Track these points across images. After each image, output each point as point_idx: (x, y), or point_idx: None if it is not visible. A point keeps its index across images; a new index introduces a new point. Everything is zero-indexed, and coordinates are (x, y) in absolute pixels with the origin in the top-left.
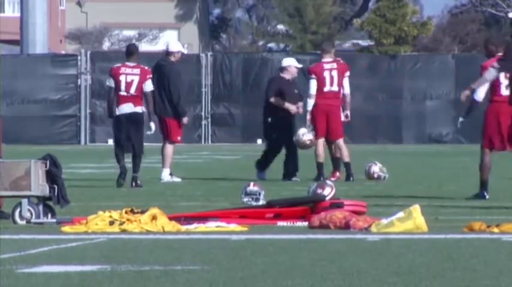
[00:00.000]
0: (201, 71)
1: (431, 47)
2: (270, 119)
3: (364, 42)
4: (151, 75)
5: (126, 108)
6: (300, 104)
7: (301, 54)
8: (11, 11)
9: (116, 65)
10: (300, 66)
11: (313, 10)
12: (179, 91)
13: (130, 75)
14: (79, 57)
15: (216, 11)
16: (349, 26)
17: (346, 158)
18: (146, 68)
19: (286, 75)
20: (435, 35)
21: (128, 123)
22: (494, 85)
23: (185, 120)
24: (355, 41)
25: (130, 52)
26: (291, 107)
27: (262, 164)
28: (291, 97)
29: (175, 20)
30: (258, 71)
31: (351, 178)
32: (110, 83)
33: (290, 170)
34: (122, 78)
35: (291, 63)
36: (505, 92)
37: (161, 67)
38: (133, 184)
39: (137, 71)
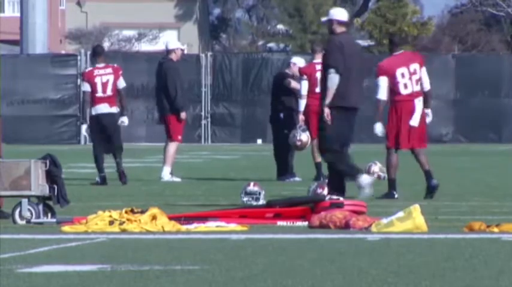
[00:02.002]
0: (201, 71)
1: (431, 47)
2: (282, 115)
3: (364, 42)
4: (122, 72)
5: (103, 108)
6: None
7: (301, 54)
8: (11, 11)
9: (87, 69)
10: (302, 64)
11: (313, 10)
12: (175, 86)
13: (105, 76)
14: (79, 57)
15: (216, 11)
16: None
17: None
18: (116, 66)
19: (290, 72)
20: (435, 35)
21: (105, 124)
22: (393, 85)
23: (183, 115)
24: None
25: (98, 53)
26: (297, 85)
27: (282, 170)
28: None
29: (175, 20)
30: (258, 71)
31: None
32: (86, 87)
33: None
34: (98, 80)
35: (296, 61)
36: (404, 91)
37: (160, 66)
38: (123, 178)
39: (109, 70)
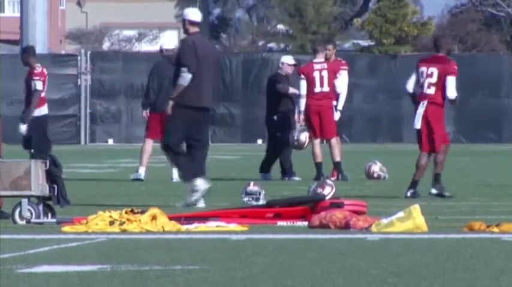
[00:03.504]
0: None
1: (431, 47)
2: (276, 117)
3: (364, 42)
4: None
5: (46, 109)
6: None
7: (301, 54)
8: (11, 11)
9: (39, 68)
10: (292, 62)
11: (313, 10)
12: (149, 82)
13: (47, 76)
14: (79, 57)
15: (216, 11)
16: (349, 26)
17: (337, 157)
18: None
19: (283, 72)
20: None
21: (46, 124)
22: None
23: (143, 113)
24: (355, 41)
25: (35, 53)
26: (295, 90)
27: (266, 166)
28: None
29: (175, 20)
30: (258, 71)
31: (340, 177)
32: (40, 86)
33: (288, 168)
34: (46, 79)
35: (285, 60)
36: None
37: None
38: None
39: (45, 71)
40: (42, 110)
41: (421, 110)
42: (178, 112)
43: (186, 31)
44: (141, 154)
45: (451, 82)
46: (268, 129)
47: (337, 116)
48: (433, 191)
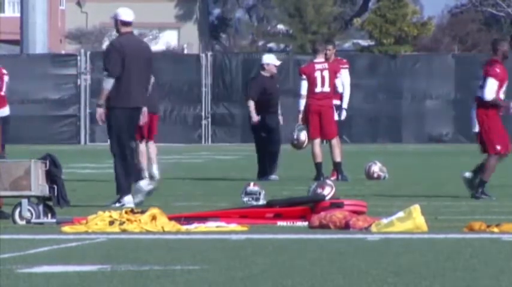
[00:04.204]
0: (201, 71)
1: (431, 47)
2: (260, 117)
3: (364, 42)
4: None
5: (7, 110)
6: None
7: (301, 54)
8: (11, 11)
9: None
10: (278, 63)
11: (313, 10)
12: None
13: (6, 76)
14: (79, 57)
15: (216, 11)
16: (349, 26)
17: (337, 158)
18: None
19: (266, 73)
20: (435, 35)
21: (7, 125)
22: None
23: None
24: (355, 41)
25: None
26: (254, 117)
27: (263, 171)
28: (273, 94)
29: (175, 20)
30: (258, 71)
31: (339, 177)
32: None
33: (267, 168)
34: (5, 78)
35: (269, 61)
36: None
37: None
38: None
39: (4, 70)
40: (4, 111)
41: (474, 112)
42: (113, 115)
43: (117, 31)
44: (141, 158)
45: (488, 84)
46: (252, 129)
47: (343, 115)
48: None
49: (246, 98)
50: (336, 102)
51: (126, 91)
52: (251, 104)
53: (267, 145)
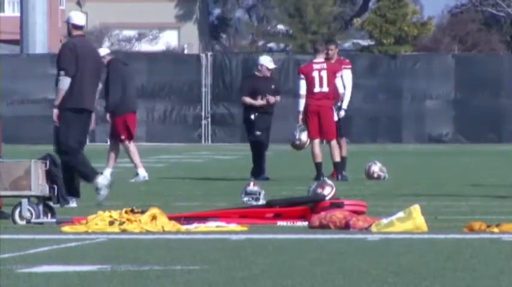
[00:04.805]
0: (201, 71)
1: (431, 47)
2: (253, 116)
3: (364, 42)
4: None
5: None
6: (277, 98)
7: (301, 54)
8: (11, 11)
9: None
10: (271, 66)
11: (313, 10)
12: (109, 86)
13: None
14: None
15: (216, 11)
16: (349, 26)
17: (336, 158)
18: None
19: (260, 74)
20: (435, 35)
21: None
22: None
23: (107, 116)
24: (355, 41)
25: None
26: (260, 102)
27: (257, 170)
28: (266, 94)
29: (175, 20)
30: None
31: (339, 177)
32: None
33: (259, 168)
34: None
35: (264, 63)
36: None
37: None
38: None
39: None
40: None
41: None
42: (66, 116)
43: (69, 34)
44: (131, 158)
45: None
46: (245, 128)
47: (341, 114)
48: None
49: (240, 97)
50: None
51: (79, 92)
52: (247, 100)
53: (262, 144)
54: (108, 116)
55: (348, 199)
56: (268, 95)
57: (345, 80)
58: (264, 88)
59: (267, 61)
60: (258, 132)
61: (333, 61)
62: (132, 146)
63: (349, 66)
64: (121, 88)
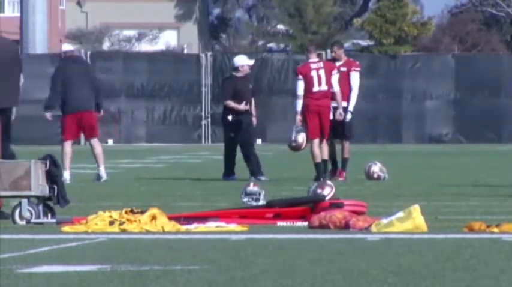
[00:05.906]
0: (201, 71)
1: (431, 47)
2: (230, 118)
3: (364, 42)
4: None
5: None
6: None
7: (301, 54)
8: (11, 11)
9: None
10: (252, 63)
11: (313, 10)
12: (53, 86)
13: None
14: None
15: (216, 11)
16: (349, 26)
17: (325, 156)
18: None
19: (239, 74)
20: (435, 35)
21: None
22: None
23: (47, 116)
24: (355, 41)
25: None
26: (240, 107)
27: (228, 169)
28: (245, 94)
29: (175, 20)
30: (258, 71)
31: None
32: None
33: (255, 168)
34: None
35: (243, 62)
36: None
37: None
38: None
39: None
40: None
41: None
42: None
43: None
44: (62, 158)
45: None
46: (223, 128)
47: (348, 117)
48: None
49: (222, 100)
50: (333, 104)
51: None
52: (232, 104)
53: (235, 146)
54: (47, 115)
55: (348, 199)
56: (247, 94)
57: (352, 83)
58: (244, 89)
59: (244, 60)
60: (232, 135)
61: (341, 62)
62: (67, 147)
63: (358, 68)
64: (62, 88)
